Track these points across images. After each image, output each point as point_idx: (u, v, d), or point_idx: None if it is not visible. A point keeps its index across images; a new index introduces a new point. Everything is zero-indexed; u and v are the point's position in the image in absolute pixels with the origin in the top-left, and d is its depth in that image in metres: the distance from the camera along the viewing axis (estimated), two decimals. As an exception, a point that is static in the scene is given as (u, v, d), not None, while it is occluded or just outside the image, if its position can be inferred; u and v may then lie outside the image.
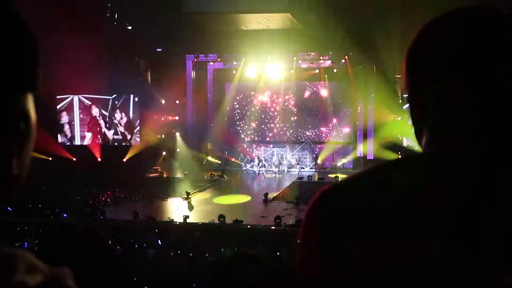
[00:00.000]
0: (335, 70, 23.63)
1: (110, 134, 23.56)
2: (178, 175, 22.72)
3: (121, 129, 23.55)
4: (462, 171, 0.77)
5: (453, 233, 0.73)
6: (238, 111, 25.93)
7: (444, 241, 0.73)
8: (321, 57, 23.06)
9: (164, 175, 21.85)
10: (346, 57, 22.71)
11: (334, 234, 0.78)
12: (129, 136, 23.50)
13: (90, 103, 23.30)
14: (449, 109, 0.81)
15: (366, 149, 22.86)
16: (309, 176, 21.58)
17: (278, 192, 18.85)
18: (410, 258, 0.73)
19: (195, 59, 23.87)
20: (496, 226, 0.73)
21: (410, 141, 20.72)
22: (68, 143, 23.18)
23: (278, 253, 8.61)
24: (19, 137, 0.56)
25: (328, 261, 0.77)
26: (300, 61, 23.73)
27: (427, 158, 0.83)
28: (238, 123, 25.81)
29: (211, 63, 24.69)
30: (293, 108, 25.47)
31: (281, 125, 25.47)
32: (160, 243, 10.19)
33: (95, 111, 23.40)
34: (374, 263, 0.74)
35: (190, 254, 9.19)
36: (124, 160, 22.56)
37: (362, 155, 23.05)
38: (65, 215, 15.15)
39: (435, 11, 0.87)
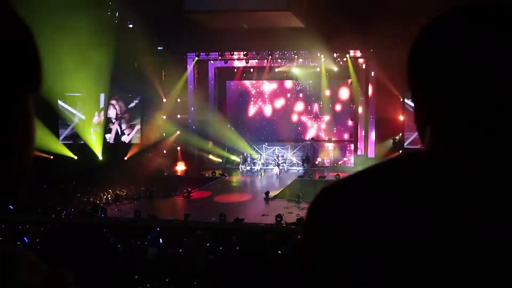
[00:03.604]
0: (335, 69, 23.62)
1: (109, 133, 23.60)
2: (179, 173, 22.74)
3: (121, 128, 23.58)
4: (463, 170, 0.77)
5: (455, 232, 0.73)
6: (239, 109, 25.95)
7: (446, 241, 0.73)
8: (322, 55, 23.03)
9: (165, 173, 21.89)
10: (347, 55, 22.70)
11: (336, 233, 0.78)
12: (129, 135, 23.53)
13: (89, 102, 23.32)
14: (452, 108, 0.80)
15: (367, 147, 22.85)
16: (310, 174, 21.59)
17: (279, 190, 18.85)
18: (411, 258, 0.73)
19: (196, 58, 23.87)
20: (497, 225, 0.73)
21: (411, 139, 20.71)
22: (69, 142, 23.21)
23: (279, 252, 8.62)
24: (20, 136, 0.56)
25: (329, 259, 0.77)
26: (301, 59, 23.71)
27: (428, 156, 0.82)
28: (239, 121, 25.82)
29: (212, 61, 24.70)
30: (294, 106, 25.48)
31: (282, 123, 25.49)
32: (161, 241, 10.20)
33: (94, 110, 23.43)
34: (375, 263, 0.74)
35: (191, 253, 9.20)
36: (126, 158, 22.59)
37: (363, 153, 23.04)
38: (65, 213, 15.19)
39: (437, 9, 0.87)
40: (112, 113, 23.58)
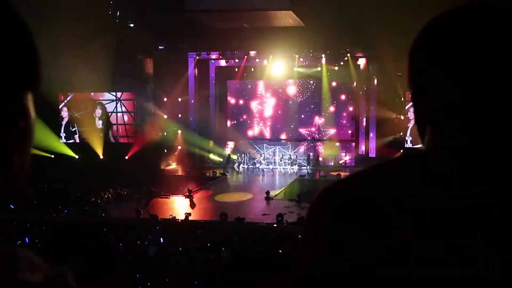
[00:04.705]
0: (336, 68, 23.61)
1: (109, 132, 23.61)
2: (180, 172, 22.74)
3: (122, 127, 23.59)
4: (463, 170, 0.77)
5: (454, 231, 0.73)
6: (240, 108, 25.94)
7: (445, 240, 0.72)
8: (322, 54, 23.01)
9: (166, 172, 21.90)
10: (348, 54, 22.68)
11: (336, 231, 0.78)
12: (130, 134, 23.53)
13: (91, 101, 23.34)
14: (452, 108, 0.80)
15: (368, 146, 22.84)
16: (311, 174, 21.59)
17: (280, 190, 18.85)
18: (410, 257, 0.73)
19: (197, 57, 23.85)
20: (494, 224, 0.72)
21: (412, 139, 20.69)
22: (69, 141, 23.24)
23: (280, 251, 8.62)
24: (19, 135, 0.56)
25: (329, 257, 0.77)
26: (302, 59, 23.69)
27: (429, 156, 0.82)
28: (240, 120, 25.83)
29: (213, 60, 24.69)
30: (295, 105, 25.47)
31: (282, 122, 25.48)
32: (162, 240, 10.21)
33: (95, 109, 23.45)
34: (374, 261, 0.74)
35: (192, 252, 9.20)
36: (126, 157, 22.59)
37: (364, 153, 23.04)
38: (67, 212, 15.20)
39: (438, 8, 0.87)
40: (111, 112, 23.58)
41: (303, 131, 25.33)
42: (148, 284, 7.51)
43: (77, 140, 23.26)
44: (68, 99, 23.22)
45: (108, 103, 23.34)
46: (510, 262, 0.71)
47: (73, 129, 23.39)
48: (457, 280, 0.72)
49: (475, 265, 0.71)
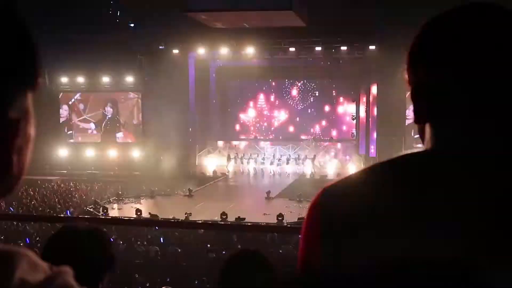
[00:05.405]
0: (338, 66, 23.57)
1: (111, 131, 23.60)
2: (180, 172, 22.71)
3: (123, 126, 23.60)
4: (464, 170, 0.77)
5: (454, 233, 0.73)
6: (241, 108, 25.93)
7: (444, 242, 0.72)
8: (324, 54, 22.98)
9: (167, 172, 21.86)
10: (350, 54, 22.65)
11: (335, 231, 0.78)
12: (131, 134, 23.55)
13: (92, 101, 23.35)
14: (453, 106, 0.80)
15: (369, 146, 22.84)
16: (311, 173, 21.59)
17: (281, 190, 18.86)
18: (408, 257, 0.72)
19: (198, 57, 23.83)
20: (499, 227, 0.72)
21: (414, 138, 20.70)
22: (70, 140, 23.24)
23: (280, 251, 8.63)
24: (19, 136, 0.56)
25: (328, 256, 0.77)
26: (302, 58, 23.67)
27: (430, 156, 0.82)
28: (241, 120, 25.82)
29: (214, 60, 24.67)
30: (296, 105, 25.47)
31: (284, 122, 25.48)
32: (162, 240, 10.21)
33: (97, 109, 23.46)
34: (372, 260, 0.74)
35: (192, 251, 9.21)
36: (127, 158, 22.59)
37: (364, 153, 23.03)
38: (68, 212, 15.20)
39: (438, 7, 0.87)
40: (113, 112, 23.59)
41: (304, 131, 25.32)
42: (148, 284, 7.51)
43: (74, 140, 23.20)
44: (68, 99, 23.18)
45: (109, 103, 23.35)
46: (507, 257, 0.70)
47: (68, 132, 23.27)
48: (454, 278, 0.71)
49: (476, 271, 0.70)
